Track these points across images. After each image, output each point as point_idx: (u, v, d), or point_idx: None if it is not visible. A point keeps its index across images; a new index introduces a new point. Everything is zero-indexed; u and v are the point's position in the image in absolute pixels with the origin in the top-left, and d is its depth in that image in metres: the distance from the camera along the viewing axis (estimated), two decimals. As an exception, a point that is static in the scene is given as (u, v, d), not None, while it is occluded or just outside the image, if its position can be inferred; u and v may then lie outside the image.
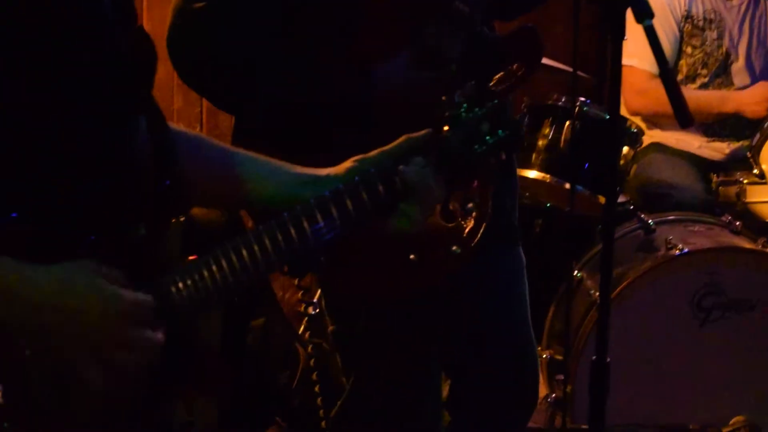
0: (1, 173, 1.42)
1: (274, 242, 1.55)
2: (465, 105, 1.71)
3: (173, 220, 1.58)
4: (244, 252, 1.53)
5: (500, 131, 1.70)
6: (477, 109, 1.70)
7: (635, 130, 3.65)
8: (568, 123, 3.34)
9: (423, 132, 1.71)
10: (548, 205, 3.69)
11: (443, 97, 1.74)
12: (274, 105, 2.27)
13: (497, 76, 2.27)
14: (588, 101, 3.34)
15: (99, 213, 1.48)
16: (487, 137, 1.70)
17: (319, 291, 3.28)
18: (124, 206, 1.51)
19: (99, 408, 1.43)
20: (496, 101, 1.72)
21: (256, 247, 1.54)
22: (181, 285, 1.50)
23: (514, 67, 2.25)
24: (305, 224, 1.57)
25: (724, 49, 4.05)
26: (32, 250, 1.41)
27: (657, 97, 3.74)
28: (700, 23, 4.00)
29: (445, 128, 1.69)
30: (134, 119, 1.57)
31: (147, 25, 1.94)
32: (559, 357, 3.47)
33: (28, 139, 1.44)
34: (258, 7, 2.22)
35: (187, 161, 1.64)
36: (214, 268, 1.51)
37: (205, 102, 3.82)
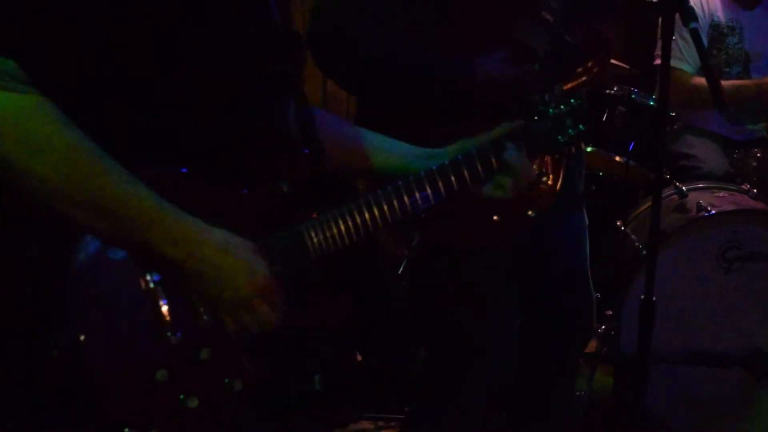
0: (179, 136, 1.52)
1: (390, 204, 1.67)
2: (553, 103, 1.81)
3: (311, 181, 1.65)
4: (365, 210, 1.66)
5: (581, 126, 1.81)
6: (562, 107, 1.81)
7: (673, 114, 3.90)
8: (619, 108, 3.51)
9: (516, 122, 1.80)
10: (600, 173, 3.80)
11: (536, 96, 1.83)
12: (392, 82, 2.32)
13: (574, 73, 2.36)
14: (636, 90, 3.52)
15: (254, 171, 1.59)
16: (570, 130, 1.81)
17: (416, 238, 3.40)
18: (274, 168, 1.61)
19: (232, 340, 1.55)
20: (579, 101, 1.82)
21: (375, 208, 1.66)
22: (314, 234, 1.62)
23: (587, 66, 2.36)
24: (416, 192, 1.69)
25: (743, 50, 4.20)
26: (198, 198, 1.52)
27: (687, 91, 4.00)
28: (724, 30, 4.17)
29: (536, 120, 1.80)
30: (287, 100, 1.69)
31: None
32: (608, 297, 3.51)
33: (207, 109, 1.54)
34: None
35: (324, 135, 1.74)
36: (341, 221, 1.63)
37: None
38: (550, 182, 2.19)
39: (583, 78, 2.40)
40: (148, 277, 1.49)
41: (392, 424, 3.63)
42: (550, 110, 1.80)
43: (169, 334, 1.49)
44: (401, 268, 3.60)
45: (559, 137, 1.80)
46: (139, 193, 1.45)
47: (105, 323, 1.46)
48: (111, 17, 1.44)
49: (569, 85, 2.33)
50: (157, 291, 1.49)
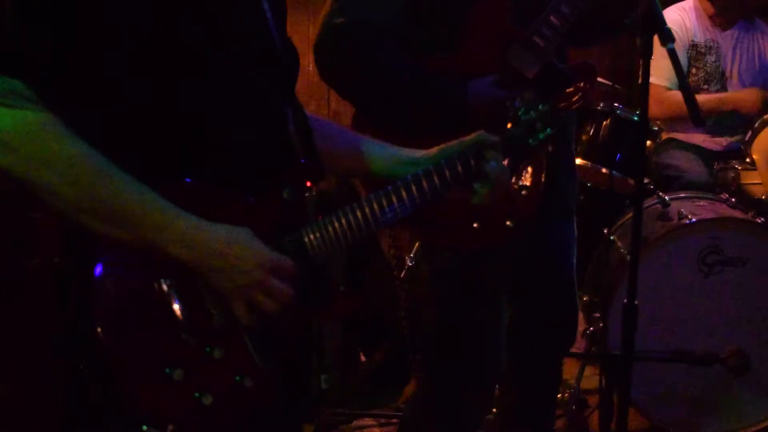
0: (182, 148, 1.53)
1: (380, 205, 1.69)
2: (523, 109, 1.82)
3: (309, 188, 1.65)
4: (359, 213, 1.67)
5: (548, 129, 1.81)
6: (532, 112, 1.81)
7: (656, 129, 3.98)
8: (605, 123, 3.57)
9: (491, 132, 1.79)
10: (588, 184, 3.85)
11: (507, 103, 1.90)
12: (391, 98, 2.36)
13: (560, 97, 2.38)
14: (620, 106, 3.59)
15: (256, 180, 1.59)
16: (539, 134, 1.81)
17: (416, 246, 3.50)
18: (275, 176, 1.62)
19: (246, 329, 1.55)
20: (545, 106, 1.82)
21: (367, 210, 1.67)
22: (313, 236, 1.63)
23: (573, 90, 2.39)
24: (404, 194, 1.70)
25: (721, 68, 4.33)
26: (202, 206, 1.52)
27: (669, 105, 4.10)
28: (702, 49, 4.29)
29: (509, 125, 1.84)
30: (284, 110, 1.68)
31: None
32: (596, 299, 3.65)
33: (211, 120, 1.55)
34: (385, 21, 2.35)
35: (320, 141, 1.76)
36: (336, 224, 1.64)
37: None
38: (528, 195, 2.18)
39: (569, 100, 2.43)
40: (162, 280, 1.50)
41: (393, 421, 3.65)
42: (521, 115, 1.81)
43: (183, 334, 1.50)
44: (403, 272, 3.70)
45: (530, 140, 1.81)
46: (144, 197, 1.47)
47: (122, 326, 1.47)
48: (116, 32, 1.45)
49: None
50: (171, 293, 1.50)
